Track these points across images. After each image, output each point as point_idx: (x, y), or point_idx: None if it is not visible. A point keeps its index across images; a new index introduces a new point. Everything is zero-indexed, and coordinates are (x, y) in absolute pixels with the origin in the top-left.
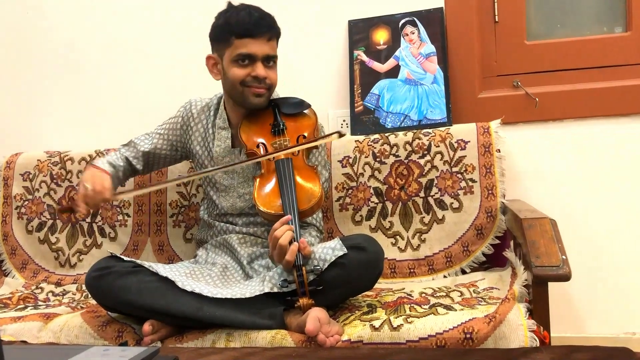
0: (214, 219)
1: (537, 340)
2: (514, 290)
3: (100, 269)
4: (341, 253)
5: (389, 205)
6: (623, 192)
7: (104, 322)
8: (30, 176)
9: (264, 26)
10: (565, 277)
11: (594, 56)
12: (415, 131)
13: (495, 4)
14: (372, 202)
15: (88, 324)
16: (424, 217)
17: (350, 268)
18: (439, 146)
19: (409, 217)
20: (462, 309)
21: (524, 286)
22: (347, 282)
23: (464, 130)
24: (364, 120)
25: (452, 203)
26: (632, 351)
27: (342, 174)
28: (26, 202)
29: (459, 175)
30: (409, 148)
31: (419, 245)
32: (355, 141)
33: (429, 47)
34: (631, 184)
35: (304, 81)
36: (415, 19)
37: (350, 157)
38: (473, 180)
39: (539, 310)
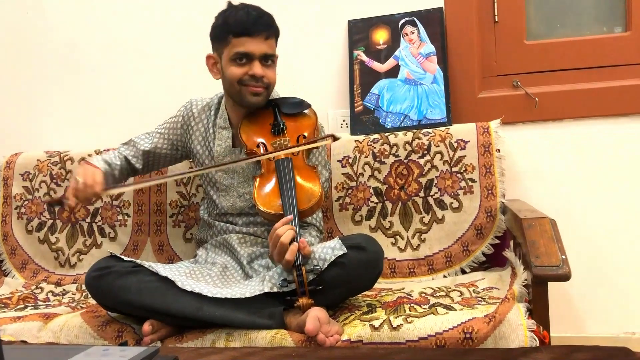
0: (214, 218)
1: (537, 340)
2: (513, 290)
3: (100, 269)
4: (341, 253)
5: (389, 205)
6: (622, 192)
7: (104, 322)
8: (30, 176)
9: (262, 25)
10: (565, 277)
11: (594, 56)
12: (415, 131)
13: (495, 3)
14: (371, 202)
15: (88, 324)
16: (423, 217)
17: (350, 268)
18: (438, 146)
19: (409, 217)
20: (461, 309)
21: (523, 286)
22: (347, 282)
23: (463, 130)
24: (363, 120)
25: (452, 203)
26: (631, 351)
27: (342, 174)
28: (26, 202)
29: (459, 175)
30: (408, 148)
31: (418, 245)
32: (355, 141)
33: (429, 47)
34: (630, 184)
35: (304, 81)
36: (415, 18)
37: (350, 157)
38: (473, 180)
39: (538, 310)
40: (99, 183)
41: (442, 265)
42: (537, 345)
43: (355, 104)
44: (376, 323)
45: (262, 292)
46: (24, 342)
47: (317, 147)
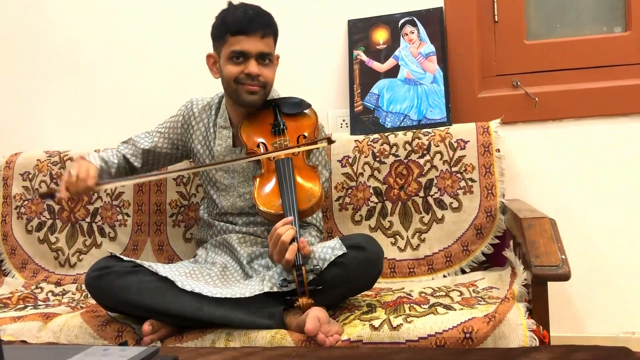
0: (213, 218)
1: (537, 339)
2: (513, 289)
3: (100, 269)
4: (341, 252)
5: (389, 205)
6: (622, 192)
7: (104, 321)
8: (30, 176)
9: (258, 23)
10: (565, 277)
11: (594, 56)
12: (414, 131)
13: (495, 3)
14: (371, 201)
15: (88, 324)
16: (423, 216)
17: (349, 267)
18: (438, 146)
19: (409, 217)
20: (461, 309)
21: (523, 286)
22: (347, 282)
23: (463, 130)
24: (363, 120)
25: (452, 203)
26: (631, 351)
27: (342, 174)
28: (26, 202)
29: (459, 175)
30: (408, 148)
31: (418, 244)
32: (355, 141)
33: (429, 47)
34: (630, 184)
35: (304, 81)
36: (415, 18)
37: (350, 157)
38: (472, 180)
39: (538, 309)
40: (92, 177)
41: (442, 265)
42: (537, 345)
43: (355, 104)
44: (376, 323)
45: (262, 292)
46: (24, 342)
47: (317, 147)
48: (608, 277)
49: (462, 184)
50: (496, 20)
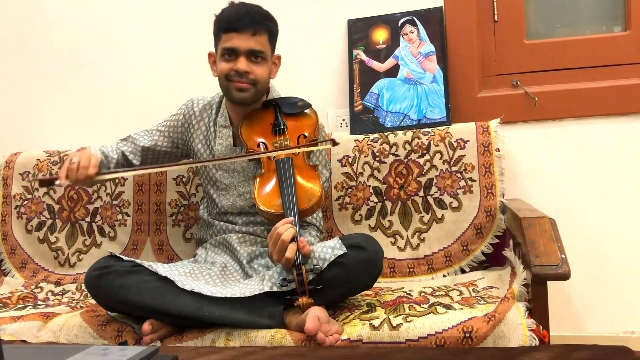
0: (213, 218)
1: (537, 339)
2: (513, 289)
3: (100, 269)
4: (341, 252)
5: (389, 205)
6: (622, 192)
7: (104, 321)
8: (30, 176)
9: (249, 20)
10: (565, 276)
11: (593, 55)
12: (414, 130)
13: (495, 3)
14: (371, 201)
15: (87, 324)
16: (423, 216)
17: (349, 267)
18: (438, 145)
19: (409, 217)
20: (461, 308)
21: (523, 285)
22: (347, 282)
23: (463, 130)
24: (363, 120)
25: (452, 202)
26: (631, 350)
27: (342, 174)
28: (25, 202)
29: (459, 175)
30: (408, 147)
31: (418, 244)
32: (355, 140)
33: (429, 47)
34: (630, 184)
35: (304, 81)
36: (415, 18)
37: (350, 157)
38: (472, 180)
39: (538, 309)
40: (93, 166)
41: (441, 264)
42: (537, 344)
43: (355, 104)
44: (376, 322)
45: (262, 292)
46: (24, 341)
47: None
48: (608, 276)
49: (462, 183)
50: (496, 19)
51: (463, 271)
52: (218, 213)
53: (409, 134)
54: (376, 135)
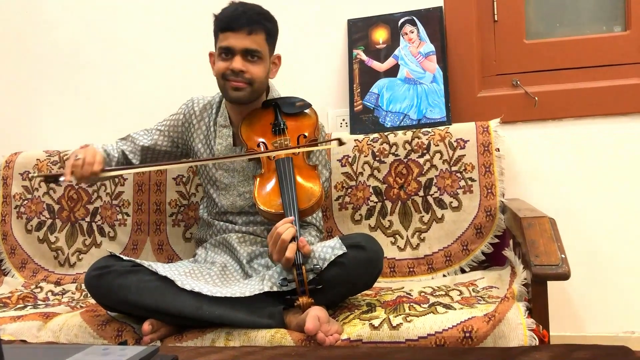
0: (213, 217)
1: (537, 339)
2: (513, 289)
3: (100, 268)
4: (341, 252)
5: (389, 205)
6: (622, 191)
7: (104, 321)
8: (30, 175)
9: (245, 20)
10: (565, 276)
11: (593, 55)
12: (414, 130)
13: (495, 3)
14: (371, 201)
15: (87, 323)
16: (423, 216)
17: (349, 267)
18: (438, 145)
19: (409, 216)
20: (461, 308)
21: (523, 285)
22: (347, 281)
23: (463, 130)
24: (363, 120)
25: (452, 202)
26: (631, 350)
27: (342, 173)
28: (25, 202)
29: (458, 174)
30: (408, 147)
31: (418, 244)
32: (355, 140)
33: (428, 46)
34: (630, 183)
35: (304, 81)
36: (415, 18)
37: (350, 157)
38: (472, 180)
39: (538, 309)
40: (98, 162)
41: (441, 264)
42: (537, 344)
43: (355, 103)
44: (376, 322)
45: (262, 292)
46: (24, 341)
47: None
48: (608, 276)
49: (462, 183)
50: (496, 19)
51: (463, 271)
52: (218, 213)
53: (409, 133)
54: (376, 135)
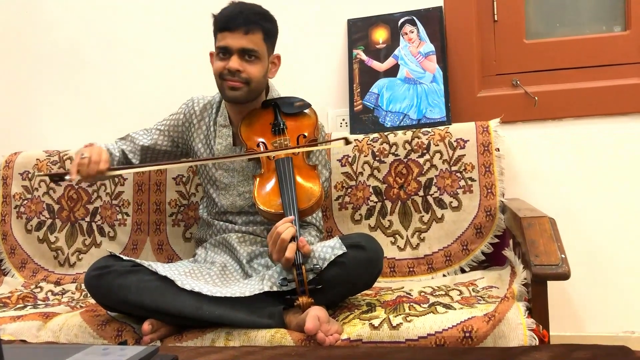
0: (213, 217)
1: (537, 339)
2: (513, 289)
3: (100, 268)
4: (341, 252)
5: (388, 204)
6: (622, 191)
7: (104, 321)
8: (30, 175)
9: (241, 19)
10: (564, 276)
11: (593, 55)
12: (414, 130)
13: (495, 3)
14: (371, 201)
15: (87, 323)
16: (423, 216)
17: (349, 267)
18: (438, 145)
19: (408, 216)
20: (461, 308)
21: (523, 285)
22: (347, 281)
23: (463, 129)
24: (363, 119)
25: (452, 202)
26: (630, 350)
27: (342, 173)
28: (25, 202)
29: (458, 174)
30: (408, 147)
31: (418, 244)
32: (355, 140)
33: (428, 46)
34: (630, 183)
35: (304, 81)
36: (415, 17)
37: (350, 156)
38: (472, 179)
39: (538, 309)
40: (104, 161)
41: (441, 264)
42: (537, 344)
43: (355, 103)
44: (376, 322)
45: (261, 291)
46: (24, 341)
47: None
48: (607, 276)
49: (462, 183)
50: (496, 19)
51: (463, 271)
52: (218, 213)
53: (409, 133)
54: (376, 134)
